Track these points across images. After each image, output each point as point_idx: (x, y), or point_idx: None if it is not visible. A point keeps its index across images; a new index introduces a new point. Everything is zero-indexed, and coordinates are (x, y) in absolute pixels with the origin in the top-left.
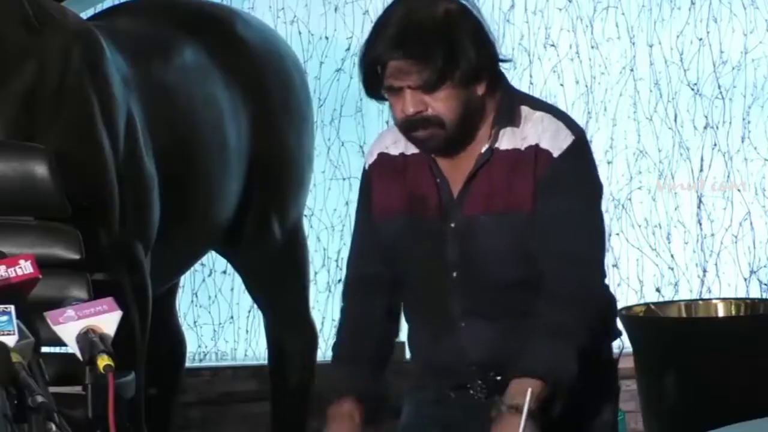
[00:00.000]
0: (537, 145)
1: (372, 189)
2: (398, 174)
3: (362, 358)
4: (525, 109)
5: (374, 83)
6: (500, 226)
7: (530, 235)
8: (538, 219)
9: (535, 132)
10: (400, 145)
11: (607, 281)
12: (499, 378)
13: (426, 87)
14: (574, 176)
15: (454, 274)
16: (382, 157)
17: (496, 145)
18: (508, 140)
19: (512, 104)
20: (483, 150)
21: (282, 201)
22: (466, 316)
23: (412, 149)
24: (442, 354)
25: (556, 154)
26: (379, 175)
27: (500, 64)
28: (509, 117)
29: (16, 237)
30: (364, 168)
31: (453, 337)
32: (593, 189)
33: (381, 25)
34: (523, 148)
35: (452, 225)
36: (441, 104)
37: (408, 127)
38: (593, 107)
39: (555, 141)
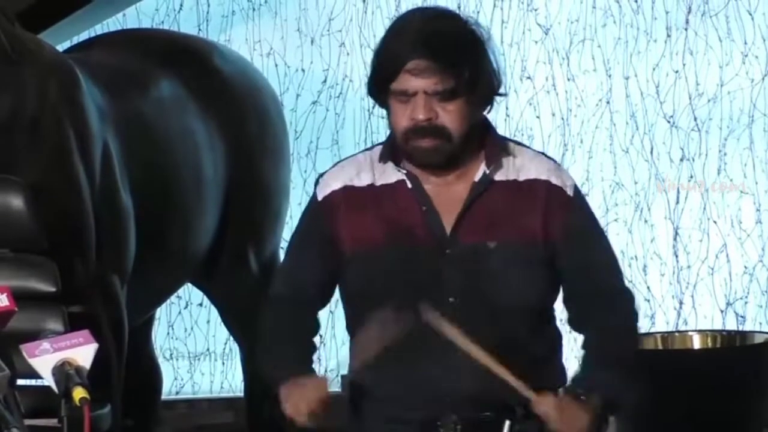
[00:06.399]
0: (547, 181)
1: (333, 221)
2: (371, 205)
3: (306, 355)
4: (510, 144)
5: (384, 81)
6: (503, 254)
7: (538, 263)
8: (579, 259)
9: (532, 166)
10: (365, 176)
11: None
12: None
13: (444, 94)
14: (591, 213)
15: (451, 299)
16: (349, 190)
17: (492, 176)
18: (503, 171)
19: (501, 137)
20: (477, 178)
21: (258, 233)
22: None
23: (381, 180)
24: (421, 383)
25: (570, 192)
26: (347, 208)
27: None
28: (502, 148)
29: None
30: (316, 198)
31: (438, 365)
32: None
33: (403, 26)
34: (521, 180)
35: (448, 252)
36: (450, 116)
37: (414, 133)
38: (569, 139)
39: (560, 178)
